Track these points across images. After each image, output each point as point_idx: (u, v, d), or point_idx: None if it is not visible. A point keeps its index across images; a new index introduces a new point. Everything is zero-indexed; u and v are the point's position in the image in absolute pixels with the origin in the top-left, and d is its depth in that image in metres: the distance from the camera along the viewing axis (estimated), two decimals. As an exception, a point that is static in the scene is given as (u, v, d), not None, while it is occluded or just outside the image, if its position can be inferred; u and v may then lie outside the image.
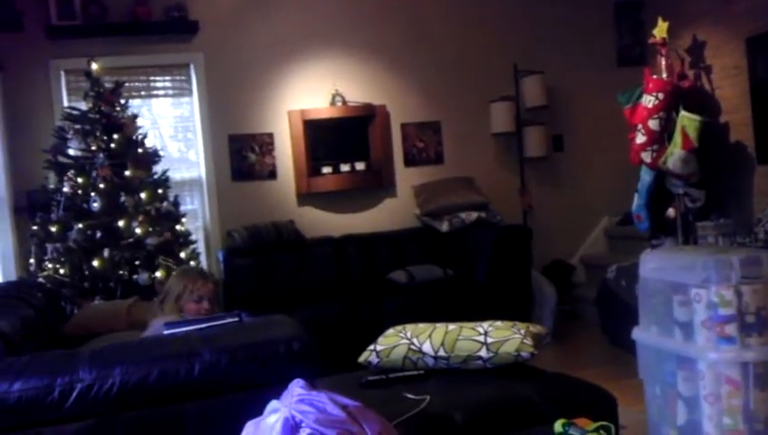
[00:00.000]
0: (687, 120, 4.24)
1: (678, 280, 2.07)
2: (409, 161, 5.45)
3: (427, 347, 2.38)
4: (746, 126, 4.55)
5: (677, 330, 2.09)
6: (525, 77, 5.43)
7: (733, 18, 4.69)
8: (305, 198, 5.22)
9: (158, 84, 5.12)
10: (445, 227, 5.05)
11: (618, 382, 2.89)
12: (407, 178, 5.42)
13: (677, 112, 4.34)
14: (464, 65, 5.50)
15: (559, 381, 2.49)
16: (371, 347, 2.50)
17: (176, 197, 4.51)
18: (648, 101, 4.39)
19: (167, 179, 4.43)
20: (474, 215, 5.04)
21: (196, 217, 5.09)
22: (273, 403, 1.55)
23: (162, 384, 1.84)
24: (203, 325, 2.11)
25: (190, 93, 5.12)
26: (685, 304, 2.03)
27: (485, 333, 2.36)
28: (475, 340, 2.36)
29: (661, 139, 4.36)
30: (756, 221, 4.23)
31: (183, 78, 5.12)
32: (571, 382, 2.47)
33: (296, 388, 1.56)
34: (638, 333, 2.23)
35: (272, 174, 5.18)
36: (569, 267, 5.49)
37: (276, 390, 1.65)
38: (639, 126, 4.42)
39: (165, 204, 4.33)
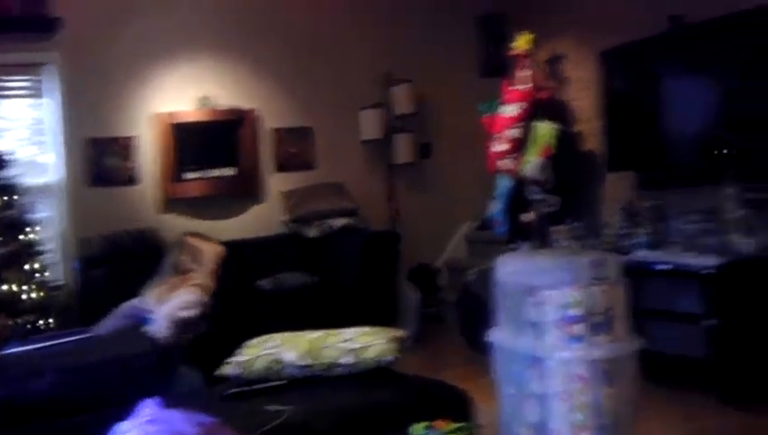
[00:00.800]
0: (545, 130, 4.44)
1: (532, 282, 2.15)
2: (282, 167, 5.40)
3: (290, 356, 2.36)
4: (598, 135, 4.83)
5: (530, 330, 2.17)
6: (395, 85, 5.51)
7: (588, 33, 4.97)
8: (170, 204, 5.05)
9: (12, 84, 4.80)
10: (313, 232, 5.03)
11: (477, 382, 2.98)
12: (278, 184, 5.36)
13: (536, 122, 4.53)
14: (335, 72, 5.51)
15: (419, 384, 2.54)
16: (232, 359, 2.44)
17: (27, 204, 4.25)
18: (508, 110, 4.57)
19: (15, 185, 4.16)
20: (342, 220, 5.06)
21: (52, 224, 4.80)
22: (123, 425, 1.47)
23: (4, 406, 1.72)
24: (50, 343, 1.98)
25: (47, 95, 4.83)
26: (537, 305, 2.11)
27: (349, 340, 2.37)
28: (338, 347, 2.36)
29: (521, 147, 4.54)
30: (605, 225, 4.50)
31: (39, 78, 4.83)
32: (431, 385, 2.53)
33: (147, 408, 1.49)
34: (493, 335, 2.30)
35: (133, 179, 4.97)
36: (433, 271, 5.62)
37: (127, 410, 1.57)
38: (499, 135, 4.59)
39: (13, 211, 4.06)
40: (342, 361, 2.32)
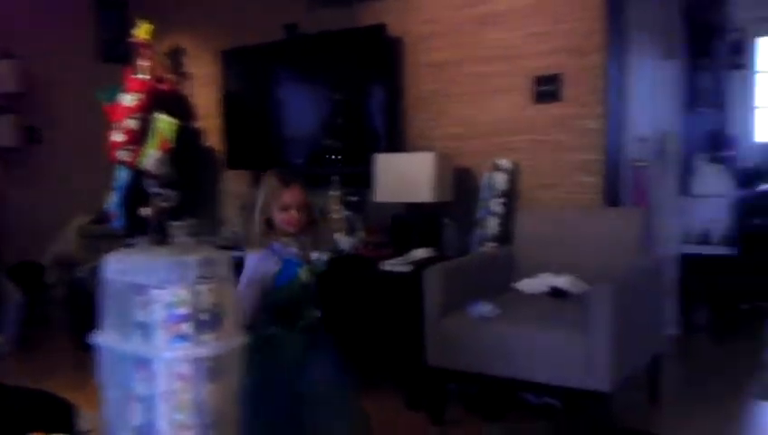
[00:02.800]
0: (164, 123, 4.36)
1: (140, 281, 2.09)
2: None
3: None
4: (218, 132, 4.90)
5: (138, 331, 2.10)
6: (-2, 59, 4.95)
7: (210, 31, 5.01)
8: None
9: None
10: None
11: (86, 388, 2.81)
12: None
13: (156, 114, 4.43)
14: None
15: (15, 394, 2.32)
16: None
17: None
18: (129, 100, 4.39)
19: None
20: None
21: None
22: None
23: None
24: None
25: None
26: (145, 305, 2.05)
27: None
28: None
29: (139, 138, 4.39)
30: (224, 221, 4.59)
31: None
32: (29, 395, 2.33)
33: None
34: (98, 337, 2.19)
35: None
36: (40, 268, 5.17)
37: None
38: (118, 124, 4.39)
39: None
40: None
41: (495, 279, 3.50)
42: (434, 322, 3.27)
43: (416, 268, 3.50)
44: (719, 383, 3.75)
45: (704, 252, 4.56)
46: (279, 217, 2.40)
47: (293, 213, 2.40)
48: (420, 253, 3.72)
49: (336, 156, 4.34)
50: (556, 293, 3.31)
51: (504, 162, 3.88)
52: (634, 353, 3.07)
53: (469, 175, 4.04)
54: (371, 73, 4.25)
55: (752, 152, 6.73)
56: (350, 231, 4.07)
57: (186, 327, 2.01)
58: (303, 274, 2.45)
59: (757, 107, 7.36)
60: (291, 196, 2.41)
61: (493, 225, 3.79)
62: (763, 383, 3.68)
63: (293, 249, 2.44)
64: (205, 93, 5.01)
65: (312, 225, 2.48)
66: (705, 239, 4.54)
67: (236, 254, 2.29)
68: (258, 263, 2.38)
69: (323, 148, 4.40)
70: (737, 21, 6.22)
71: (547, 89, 3.83)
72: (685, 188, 4.74)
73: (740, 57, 6.25)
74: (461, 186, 3.97)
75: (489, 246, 3.77)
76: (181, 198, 4.46)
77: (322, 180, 4.18)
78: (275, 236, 2.42)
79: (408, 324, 3.47)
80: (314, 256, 2.55)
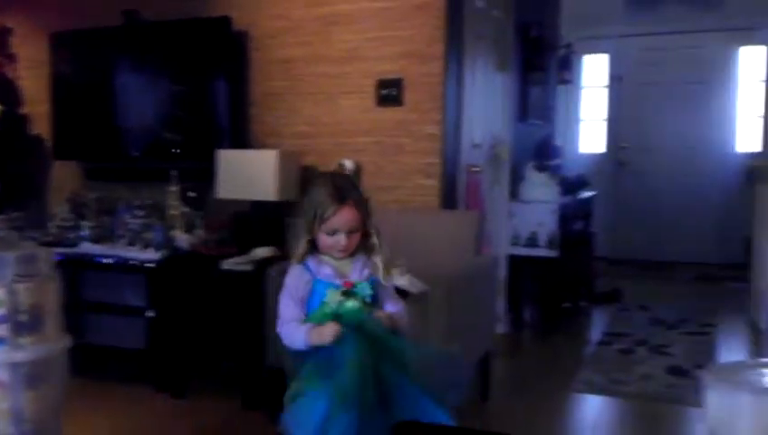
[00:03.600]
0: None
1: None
2: None
3: None
4: (46, 120, 4.58)
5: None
6: None
7: (41, 11, 4.68)
8: None
9: None
10: None
11: None
12: None
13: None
14: None
15: None
16: None
17: None
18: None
19: None
20: None
21: None
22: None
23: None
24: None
25: None
26: (-45, 305, 1.89)
27: None
28: None
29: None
30: (51, 215, 4.30)
31: None
32: None
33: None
34: None
35: None
36: None
37: None
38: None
39: None
40: None
41: (336, 279, 3.53)
42: (274, 321, 3.24)
43: (258, 267, 3.46)
44: (545, 379, 4.00)
45: (531, 254, 4.84)
46: (324, 242, 1.98)
47: (341, 239, 1.96)
48: (263, 252, 3.67)
49: (176, 150, 4.19)
50: (398, 292, 3.38)
51: (348, 163, 3.91)
52: (467, 352, 3.21)
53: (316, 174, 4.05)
54: (216, 67, 4.15)
55: (576, 162, 7.25)
56: (189, 228, 3.95)
57: (2, 329, 1.88)
58: (332, 298, 1.94)
59: (582, 120, 7.95)
60: (341, 219, 1.95)
61: (335, 225, 3.81)
62: (584, 378, 3.96)
63: (329, 269, 1.98)
64: (33, 77, 4.67)
65: (367, 240, 2.03)
66: (532, 242, 4.82)
67: (61, 251, 2.16)
68: (290, 281, 2.01)
69: (162, 141, 4.24)
70: (565, 39, 6.67)
71: (390, 93, 3.91)
72: (515, 193, 5.01)
73: (567, 73, 6.69)
74: (307, 185, 3.96)
75: (331, 246, 3.79)
76: (4, 190, 4.14)
77: (161, 174, 4.03)
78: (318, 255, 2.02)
79: (248, 324, 3.42)
80: (359, 274, 2.01)
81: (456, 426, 1.53)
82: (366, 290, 1.96)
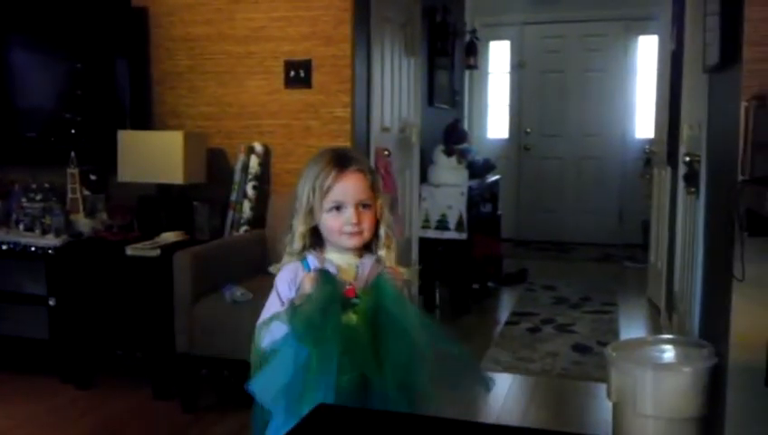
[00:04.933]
0: None
1: None
2: None
3: None
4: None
5: None
6: None
7: None
8: None
9: None
10: None
11: None
12: None
13: None
14: None
15: None
16: None
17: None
18: None
19: None
20: None
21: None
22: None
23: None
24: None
25: None
26: None
27: None
28: None
29: None
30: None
31: None
32: None
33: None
34: None
35: None
36: None
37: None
38: None
39: None
40: None
41: (249, 263, 3.47)
42: (184, 307, 3.17)
43: (165, 253, 3.35)
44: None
45: (441, 237, 4.90)
46: (331, 225, 1.59)
47: (350, 213, 1.58)
48: (170, 236, 3.57)
49: (74, 130, 4.00)
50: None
51: (257, 145, 3.85)
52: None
53: (223, 156, 3.95)
54: (115, 44, 3.98)
55: (483, 146, 7.39)
56: (91, 212, 3.79)
57: None
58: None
59: (488, 106, 8.10)
60: (346, 186, 1.58)
61: (246, 208, 3.74)
62: (493, 357, 4.06)
63: (331, 269, 1.60)
64: None
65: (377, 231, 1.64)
66: (442, 225, 4.88)
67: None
68: (280, 282, 1.64)
69: (60, 121, 4.04)
70: (470, 24, 6.77)
71: (298, 74, 3.86)
72: (425, 177, 5.06)
73: (473, 58, 6.79)
74: (214, 167, 3.87)
75: (243, 230, 3.72)
76: None
77: (60, 156, 3.84)
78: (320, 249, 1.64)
79: (156, 311, 3.32)
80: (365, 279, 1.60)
81: (378, 410, 1.42)
82: (370, 304, 1.53)
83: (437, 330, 1.58)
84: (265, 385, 1.50)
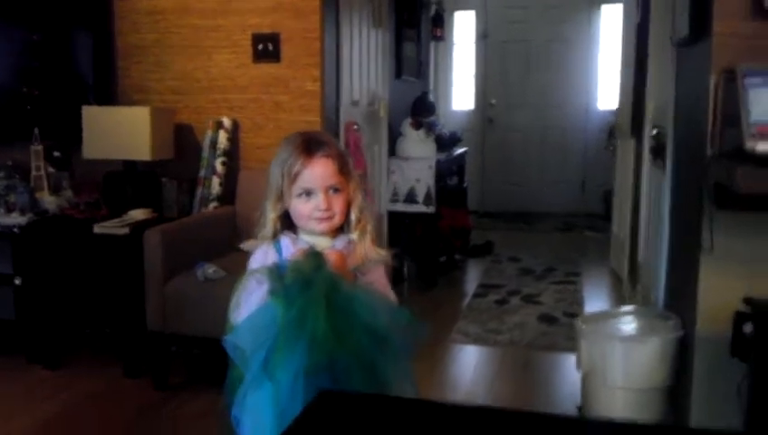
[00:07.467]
0: None
1: None
2: None
3: None
4: None
5: None
6: None
7: None
8: None
9: None
10: None
11: None
12: None
13: None
14: None
15: None
16: None
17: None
18: None
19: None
20: None
21: None
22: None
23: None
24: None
25: None
26: None
27: None
28: None
29: None
30: None
31: None
32: None
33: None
34: None
35: None
36: None
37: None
38: None
39: None
40: None
41: (220, 240, 3.44)
42: (155, 285, 3.15)
43: (133, 230, 3.31)
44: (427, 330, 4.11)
45: (409, 210, 4.92)
46: (301, 211, 1.60)
47: (319, 199, 1.58)
48: (138, 214, 3.53)
49: (32, 105, 3.90)
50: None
51: (226, 120, 3.81)
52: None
53: (191, 132, 3.90)
54: (76, 15, 3.88)
55: (450, 119, 7.40)
56: (56, 190, 3.72)
57: None
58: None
59: (454, 77, 8.09)
60: (314, 172, 1.58)
61: (215, 184, 3.71)
62: (461, 329, 4.11)
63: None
64: None
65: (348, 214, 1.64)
66: (410, 198, 4.89)
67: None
68: (254, 264, 1.65)
69: (20, 96, 3.93)
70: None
71: (266, 48, 3.81)
72: (393, 150, 5.06)
73: (439, 30, 6.77)
74: (182, 143, 3.82)
75: (212, 207, 3.69)
76: None
77: (22, 133, 3.75)
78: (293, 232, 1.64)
79: (126, 289, 3.29)
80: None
81: (379, 393, 1.44)
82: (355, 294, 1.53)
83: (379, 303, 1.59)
84: (242, 340, 1.50)
